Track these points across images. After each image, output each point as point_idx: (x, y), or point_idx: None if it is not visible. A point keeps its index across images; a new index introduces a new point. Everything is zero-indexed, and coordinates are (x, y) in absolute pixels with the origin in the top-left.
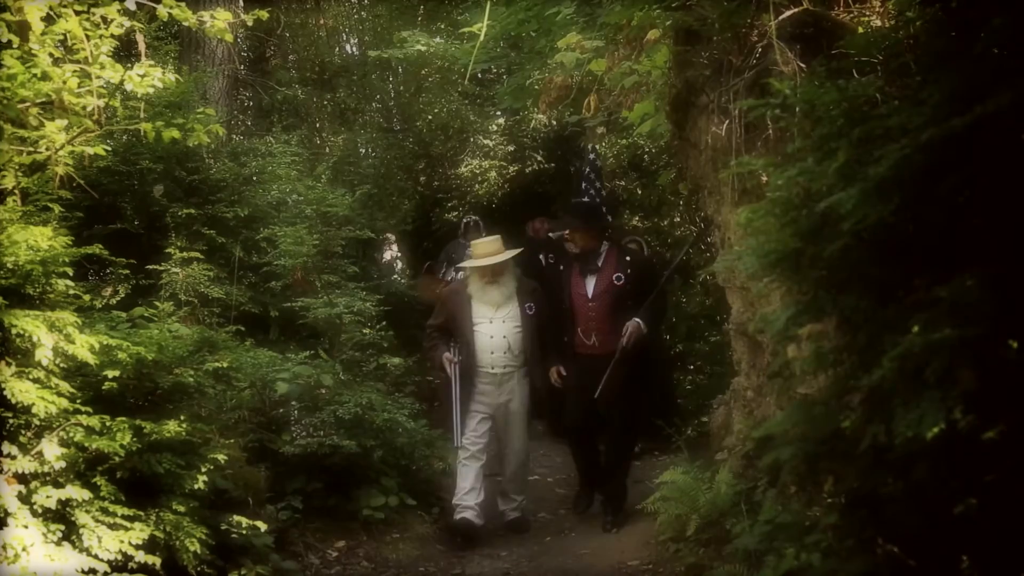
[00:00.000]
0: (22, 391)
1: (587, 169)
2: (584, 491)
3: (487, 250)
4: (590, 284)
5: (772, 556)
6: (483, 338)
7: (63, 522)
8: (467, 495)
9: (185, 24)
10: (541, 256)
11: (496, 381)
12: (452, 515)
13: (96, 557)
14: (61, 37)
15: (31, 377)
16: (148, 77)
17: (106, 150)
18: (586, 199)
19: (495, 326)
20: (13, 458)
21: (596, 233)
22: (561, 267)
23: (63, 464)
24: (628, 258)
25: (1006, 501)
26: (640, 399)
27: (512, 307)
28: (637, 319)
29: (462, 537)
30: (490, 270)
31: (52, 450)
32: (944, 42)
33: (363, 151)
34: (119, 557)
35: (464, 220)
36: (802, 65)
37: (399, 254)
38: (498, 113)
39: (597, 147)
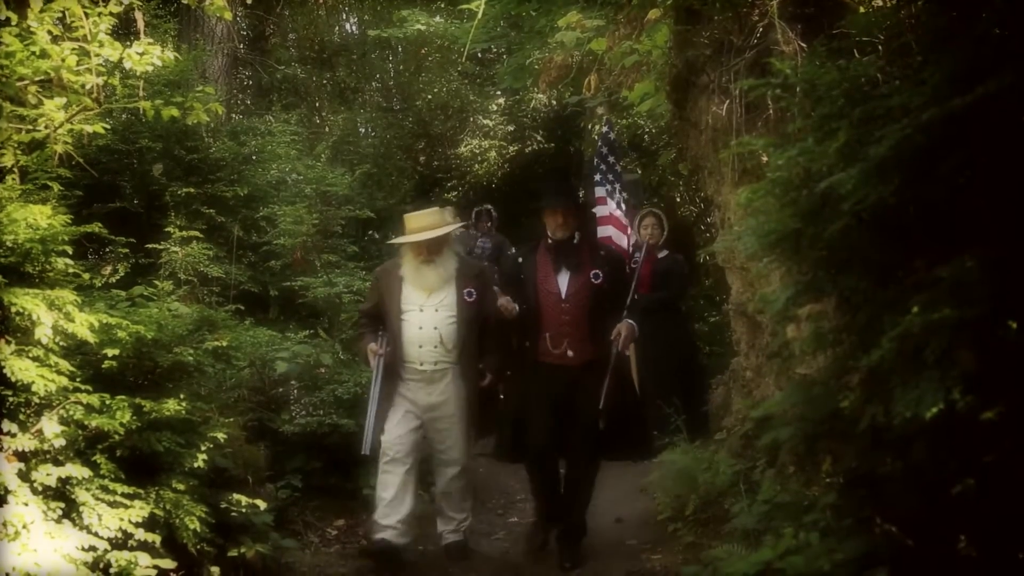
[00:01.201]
0: (22, 369)
1: (602, 146)
2: (540, 524)
3: (422, 223)
4: (563, 281)
5: (770, 535)
6: (411, 328)
7: (63, 500)
8: (387, 509)
9: (184, 2)
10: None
11: (425, 379)
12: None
13: (96, 535)
14: (60, 15)
15: (31, 355)
16: (147, 55)
17: (105, 128)
18: (597, 177)
19: (426, 315)
20: (13, 436)
21: (573, 217)
22: (520, 258)
23: (63, 442)
24: (602, 252)
25: (1004, 481)
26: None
27: (449, 293)
28: (629, 320)
29: (379, 563)
30: (425, 247)
31: (52, 428)
32: (945, 22)
33: (362, 130)
34: (119, 535)
35: (475, 209)
36: (803, 45)
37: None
38: (498, 93)
39: (613, 120)
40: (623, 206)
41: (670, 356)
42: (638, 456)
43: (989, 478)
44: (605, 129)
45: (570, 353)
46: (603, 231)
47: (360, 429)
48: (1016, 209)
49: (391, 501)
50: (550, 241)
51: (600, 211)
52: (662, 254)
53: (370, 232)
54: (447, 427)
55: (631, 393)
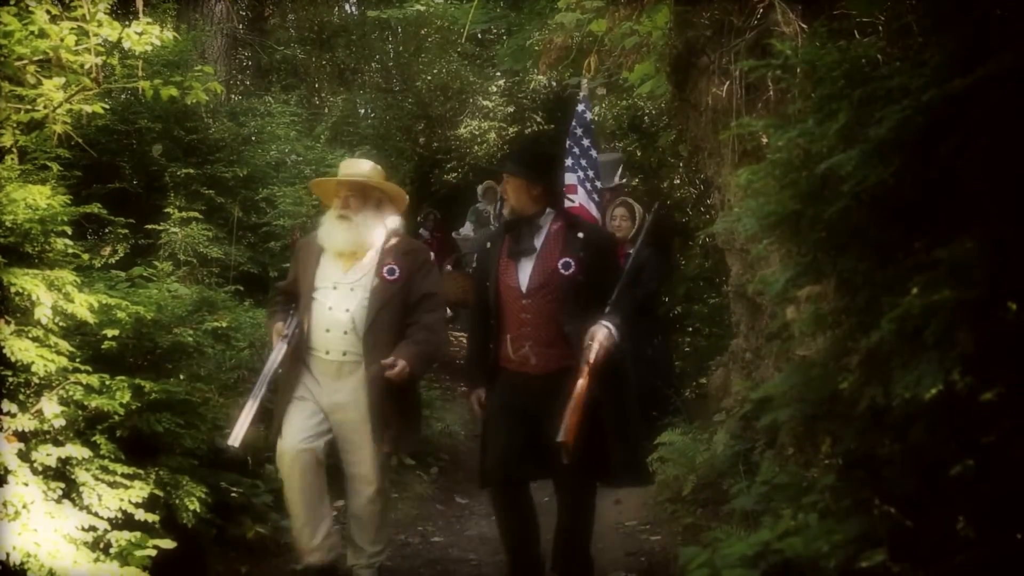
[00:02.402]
0: (21, 349)
1: (575, 126)
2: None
3: (354, 168)
4: (525, 271)
5: (769, 516)
6: (320, 308)
7: (63, 480)
8: (307, 529)
9: None
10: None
11: (331, 372)
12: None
13: (96, 515)
14: None
15: (30, 336)
16: (146, 35)
17: (104, 109)
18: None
19: (339, 293)
20: (13, 416)
21: (540, 191)
22: (488, 243)
23: (63, 422)
24: (581, 235)
25: (1003, 463)
26: (611, 440)
27: (367, 270)
28: (606, 323)
29: None
30: (347, 192)
31: (52, 408)
32: (946, 3)
33: (362, 111)
34: (119, 515)
35: (481, 186)
36: (803, 26)
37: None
38: (498, 74)
39: (587, 96)
40: (596, 195)
41: (651, 369)
42: (631, 482)
43: (988, 459)
44: (580, 107)
45: (532, 360)
46: None
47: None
48: (1016, 191)
49: (307, 521)
50: (510, 218)
51: (569, 201)
52: (633, 249)
53: None
54: (355, 436)
55: (625, 409)
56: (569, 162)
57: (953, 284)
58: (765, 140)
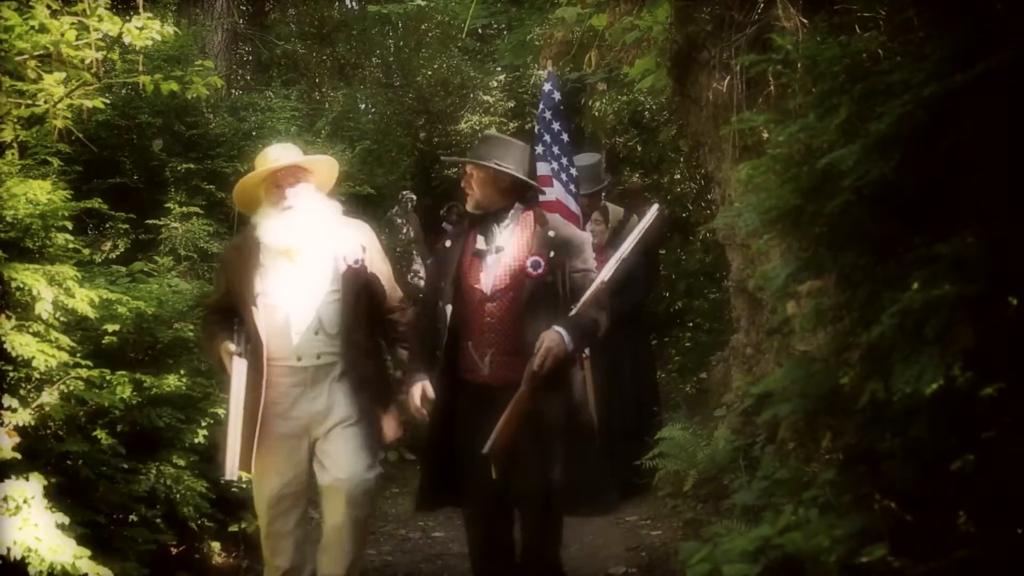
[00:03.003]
0: (22, 344)
1: (543, 109)
2: None
3: (280, 153)
4: (489, 271)
5: (770, 512)
6: (277, 313)
7: (64, 475)
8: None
9: None
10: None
11: (305, 379)
12: None
13: (97, 510)
14: None
15: (31, 330)
16: (146, 30)
17: (105, 104)
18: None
19: (296, 292)
20: (14, 411)
21: (509, 184)
22: (449, 241)
23: (63, 417)
24: (552, 233)
25: (1004, 458)
26: (569, 453)
27: (323, 258)
28: (558, 328)
29: None
30: (284, 179)
31: (52, 403)
32: None
33: (362, 107)
34: (120, 510)
35: (404, 192)
36: (804, 20)
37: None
38: (498, 69)
39: (554, 72)
40: (574, 185)
41: (634, 383)
42: (594, 511)
43: (988, 454)
44: (547, 86)
45: (492, 370)
46: None
47: None
48: (1017, 186)
49: (289, 570)
50: (473, 211)
51: (543, 195)
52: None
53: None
54: (340, 440)
55: (586, 429)
56: (540, 150)
57: (954, 279)
58: (766, 135)
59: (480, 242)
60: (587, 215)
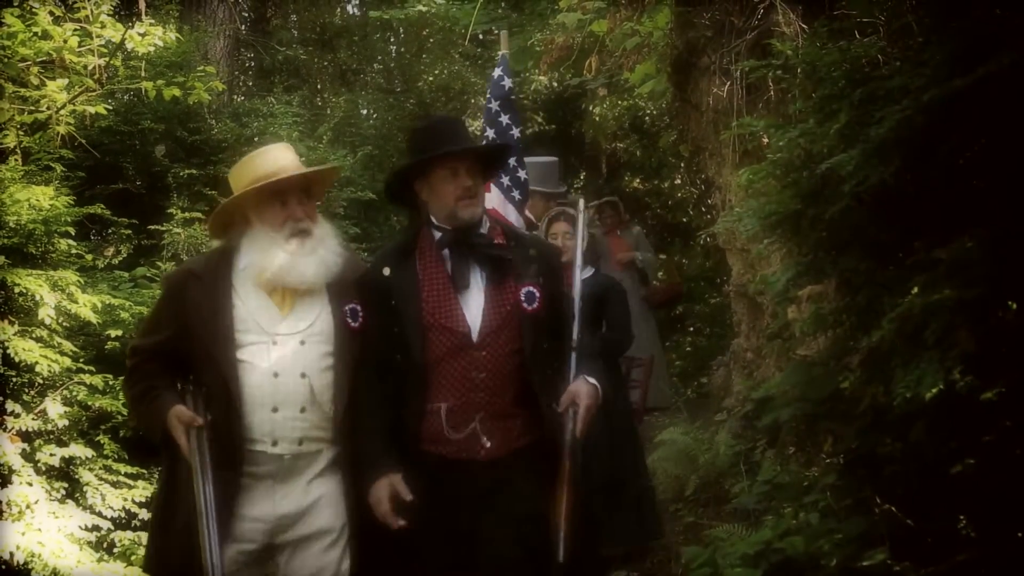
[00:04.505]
0: (25, 350)
1: (491, 99)
2: None
3: (282, 161)
4: (474, 306)
5: (771, 516)
6: (257, 376)
7: (66, 480)
8: None
9: None
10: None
11: (279, 471)
12: None
13: (99, 514)
14: None
15: (34, 336)
16: (149, 36)
17: (107, 110)
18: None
19: (285, 350)
20: (17, 416)
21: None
22: (386, 269)
23: (66, 422)
24: (533, 251)
25: (1004, 461)
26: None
27: (321, 311)
28: (587, 376)
29: None
30: (293, 194)
31: (55, 408)
32: (946, 3)
33: (364, 112)
34: (122, 514)
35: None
36: (804, 26)
37: None
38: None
39: (506, 57)
40: (518, 192)
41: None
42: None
43: (988, 458)
44: (497, 72)
45: (486, 442)
46: None
47: None
48: (1016, 190)
49: None
50: (441, 233)
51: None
52: (586, 273)
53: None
54: (312, 562)
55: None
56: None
57: (953, 284)
58: (766, 140)
59: (456, 266)
60: (533, 221)
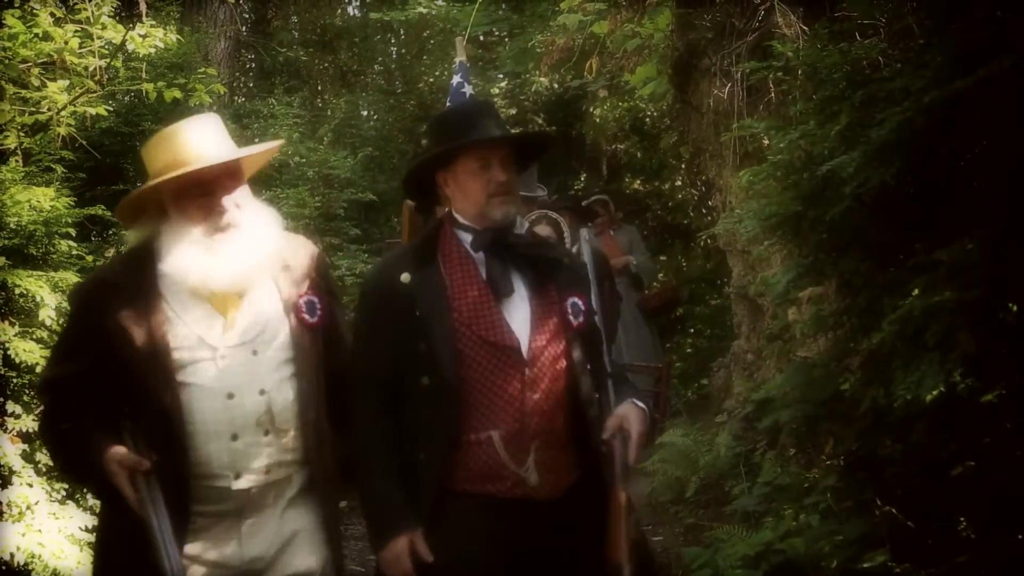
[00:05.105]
0: (26, 351)
1: (458, 83)
2: None
3: (199, 143)
4: (518, 319)
5: (771, 517)
6: (207, 398)
7: (67, 481)
8: None
9: None
10: None
11: (238, 508)
12: None
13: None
14: None
15: (34, 337)
16: (149, 38)
17: (108, 111)
18: None
19: (235, 363)
20: (17, 417)
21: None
22: (406, 275)
23: None
24: (566, 259)
25: (1004, 463)
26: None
27: (269, 310)
28: (635, 400)
29: None
30: (218, 183)
31: None
32: (946, 5)
33: (365, 113)
34: None
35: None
36: (804, 28)
37: None
38: (500, 76)
39: (465, 63)
40: None
41: None
42: None
43: (989, 460)
44: (457, 79)
45: (541, 476)
46: None
47: None
48: (1016, 192)
49: None
50: (470, 235)
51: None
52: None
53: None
54: None
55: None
56: None
57: (954, 285)
58: (766, 142)
59: (493, 270)
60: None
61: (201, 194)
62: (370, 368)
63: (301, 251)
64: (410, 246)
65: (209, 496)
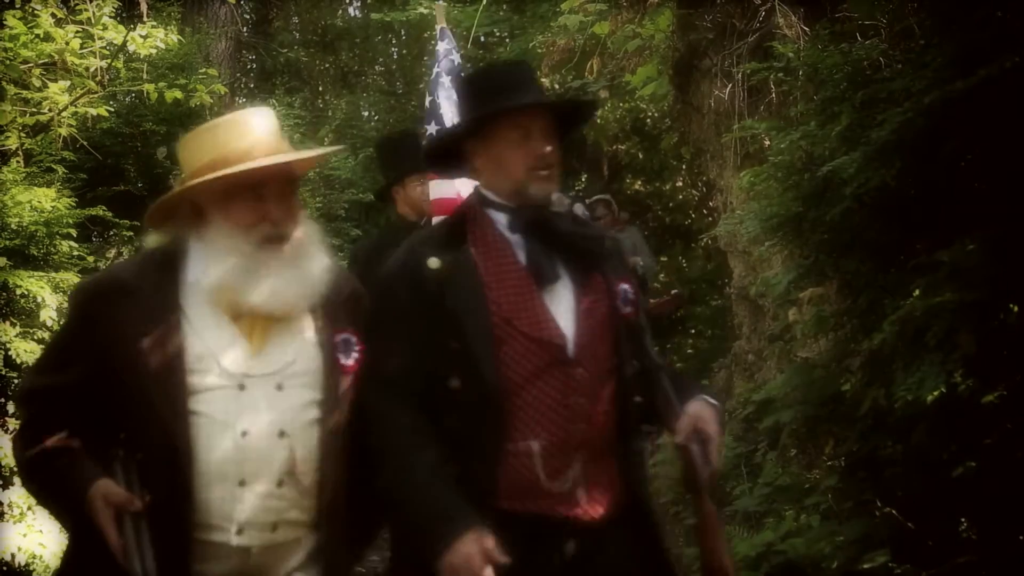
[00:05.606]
0: (26, 351)
1: (438, 73)
2: None
3: (256, 132)
4: (562, 310)
5: (772, 518)
6: (218, 434)
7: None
8: None
9: None
10: None
11: (246, 569)
12: None
13: None
14: None
15: (36, 338)
16: (150, 38)
17: (109, 112)
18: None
19: (256, 397)
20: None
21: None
22: (435, 261)
23: None
24: (608, 241)
25: (1004, 464)
26: None
27: (301, 343)
28: (707, 398)
29: None
30: (271, 187)
31: None
32: (947, 5)
33: (365, 114)
34: None
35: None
36: (805, 28)
37: None
38: None
39: (448, 30)
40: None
41: None
42: None
43: (989, 461)
44: (444, 46)
45: (585, 493)
46: None
47: None
48: (1016, 193)
49: None
50: (509, 214)
51: (436, 190)
52: None
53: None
54: None
55: None
56: (432, 129)
57: (955, 286)
58: (767, 142)
59: (534, 255)
60: None
61: (253, 197)
62: (394, 369)
63: (343, 283)
64: (436, 227)
65: (204, 553)
